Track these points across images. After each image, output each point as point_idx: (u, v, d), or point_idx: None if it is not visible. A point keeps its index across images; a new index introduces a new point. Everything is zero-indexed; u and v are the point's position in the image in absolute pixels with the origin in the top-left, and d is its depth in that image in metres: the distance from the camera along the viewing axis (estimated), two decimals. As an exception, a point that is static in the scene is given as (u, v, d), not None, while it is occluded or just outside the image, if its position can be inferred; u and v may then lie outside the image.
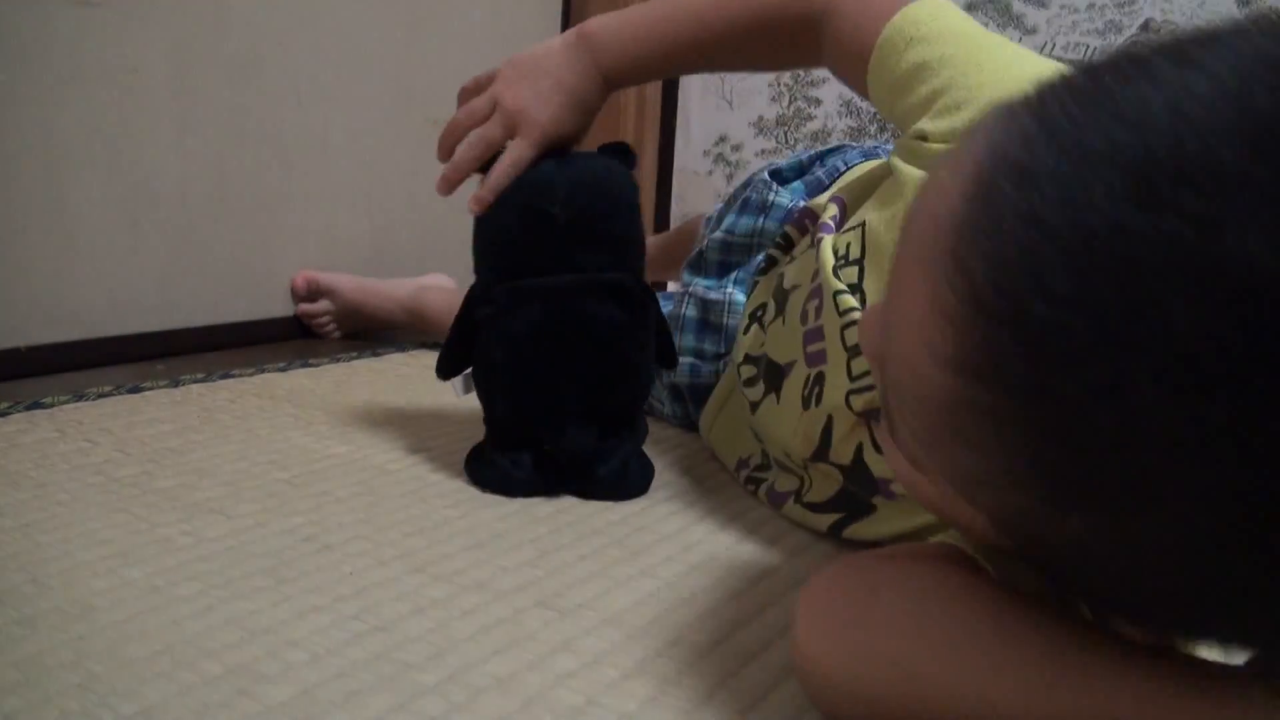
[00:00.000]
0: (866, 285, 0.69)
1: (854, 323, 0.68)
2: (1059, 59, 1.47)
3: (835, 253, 0.73)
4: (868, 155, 1.03)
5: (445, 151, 0.89)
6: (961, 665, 0.43)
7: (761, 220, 1.02)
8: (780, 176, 1.05)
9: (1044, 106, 0.36)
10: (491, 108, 0.86)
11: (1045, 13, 1.48)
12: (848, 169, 1.02)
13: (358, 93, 1.52)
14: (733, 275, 1.02)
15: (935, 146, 0.65)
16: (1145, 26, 1.41)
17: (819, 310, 0.73)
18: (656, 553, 0.72)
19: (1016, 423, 0.34)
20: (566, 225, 0.80)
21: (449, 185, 0.87)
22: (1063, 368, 0.32)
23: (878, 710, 0.46)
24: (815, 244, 0.76)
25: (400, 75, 1.59)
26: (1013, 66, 0.65)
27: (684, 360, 1.01)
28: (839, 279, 0.70)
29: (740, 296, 0.99)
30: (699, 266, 1.06)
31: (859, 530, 0.73)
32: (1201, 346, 0.30)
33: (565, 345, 0.81)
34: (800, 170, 1.07)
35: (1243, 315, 0.29)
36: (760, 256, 1.01)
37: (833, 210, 0.78)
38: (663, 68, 0.89)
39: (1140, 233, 0.31)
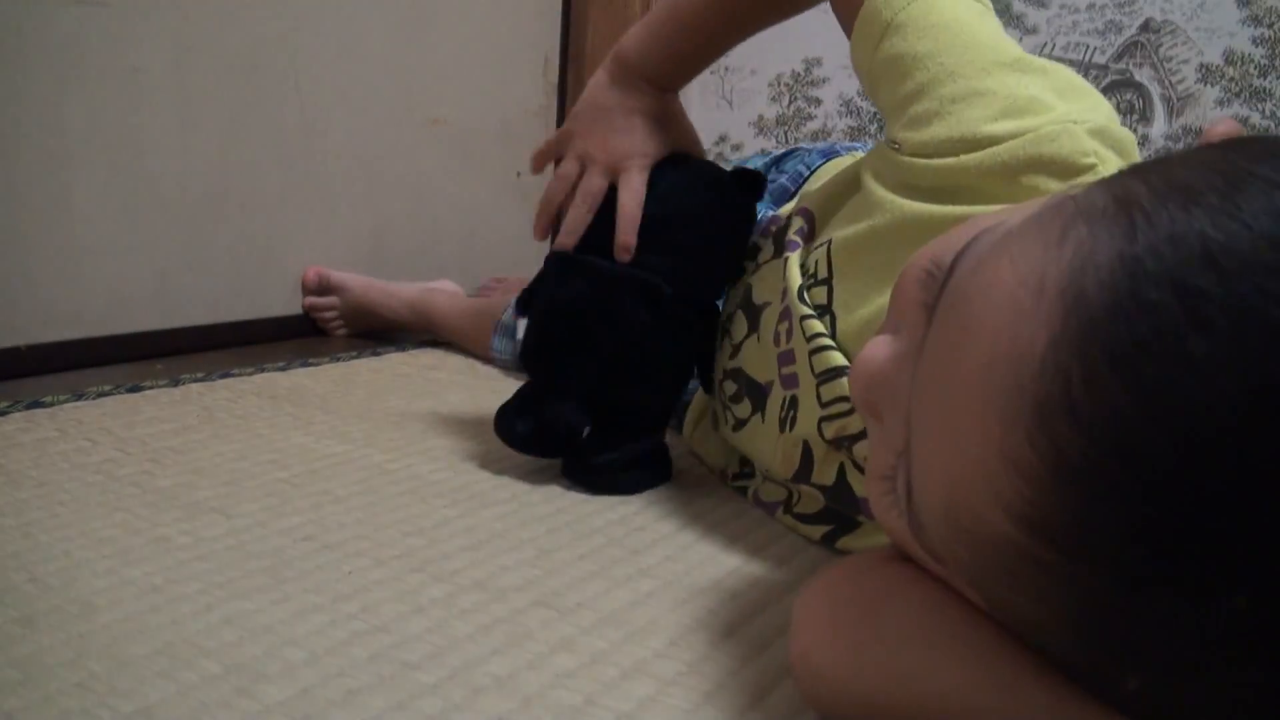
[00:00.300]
0: (836, 308, 0.69)
1: (822, 349, 0.67)
2: (1059, 59, 1.47)
3: (804, 271, 0.72)
4: (827, 155, 1.02)
5: (544, 229, 0.90)
6: (975, 678, 0.42)
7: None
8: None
9: (1134, 238, 0.32)
10: (579, 167, 0.87)
11: (1045, 12, 1.48)
12: (811, 172, 1.02)
13: (359, 92, 1.52)
14: None
15: (907, 160, 0.64)
16: (1146, 26, 1.41)
17: (790, 333, 0.72)
18: (655, 552, 0.73)
19: (1088, 591, 0.33)
20: (647, 220, 0.82)
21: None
22: (1151, 555, 0.31)
23: (881, 716, 0.46)
24: (782, 260, 0.75)
25: (401, 75, 1.59)
26: (991, 74, 0.62)
27: None
28: (805, 302, 0.70)
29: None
30: None
31: (851, 543, 0.73)
32: None
33: (588, 327, 0.83)
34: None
35: None
36: None
37: (799, 224, 0.77)
38: (706, 53, 0.88)
39: (1248, 449, 0.30)
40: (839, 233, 0.69)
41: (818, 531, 0.75)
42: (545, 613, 0.62)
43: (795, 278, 0.72)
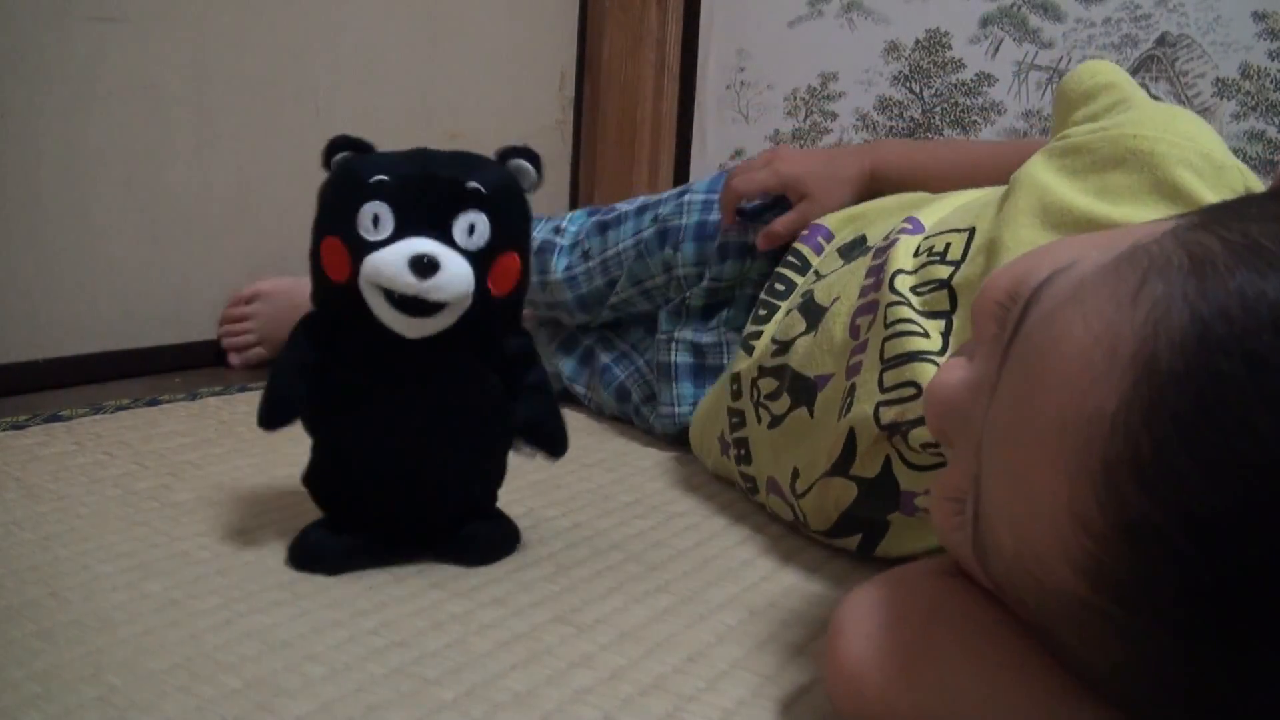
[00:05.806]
0: (956, 282, 0.68)
1: (899, 334, 0.67)
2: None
3: (929, 251, 0.71)
4: None
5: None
6: (1033, 704, 0.42)
7: (748, 261, 1.02)
8: (744, 214, 1.04)
9: (1207, 300, 0.33)
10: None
11: (1061, 27, 1.48)
12: None
13: (377, 107, 1.52)
14: (721, 316, 1.02)
15: (1070, 132, 0.66)
16: (1161, 40, 1.40)
17: (872, 324, 0.71)
18: (673, 568, 0.72)
19: (1150, 645, 0.34)
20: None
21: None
22: (1212, 616, 0.32)
23: None
24: (884, 255, 0.74)
25: (419, 89, 1.59)
26: (1176, 118, 0.64)
27: (687, 409, 1.02)
28: (896, 291, 0.69)
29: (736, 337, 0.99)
30: (681, 314, 1.05)
31: (888, 547, 0.72)
32: None
33: None
34: (761, 208, 1.06)
35: None
36: (755, 291, 1.01)
37: (898, 224, 0.77)
38: (928, 172, 0.96)
39: None
40: (983, 224, 0.69)
41: (853, 542, 0.74)
42: (563, 629, 0.62)
43: (898, 260, 0.71)
